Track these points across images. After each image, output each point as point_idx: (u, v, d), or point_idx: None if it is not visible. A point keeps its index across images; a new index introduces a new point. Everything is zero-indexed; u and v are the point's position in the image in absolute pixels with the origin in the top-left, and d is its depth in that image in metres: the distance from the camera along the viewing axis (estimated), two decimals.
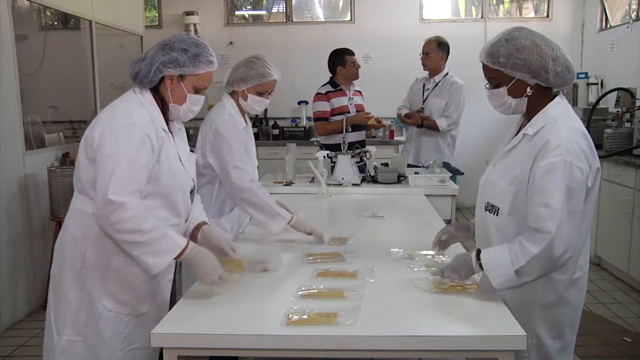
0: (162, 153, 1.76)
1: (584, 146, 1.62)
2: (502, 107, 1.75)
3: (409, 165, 4.06)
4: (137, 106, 1.76)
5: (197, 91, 1.82)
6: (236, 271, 1.86)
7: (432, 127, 4.18)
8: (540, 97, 1.70)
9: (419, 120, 4.20)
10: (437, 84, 4.24)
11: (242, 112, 2.51)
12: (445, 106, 4.18)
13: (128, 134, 1.68)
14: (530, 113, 1.73)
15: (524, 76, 1.67)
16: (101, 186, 1.64)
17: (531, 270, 1.63)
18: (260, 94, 2.44)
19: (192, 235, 1.95)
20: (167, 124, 1.83)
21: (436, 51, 4.18)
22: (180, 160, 1.87)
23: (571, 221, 1.60)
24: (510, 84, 1.69)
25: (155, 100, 1.80)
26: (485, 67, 1.73)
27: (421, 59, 4.25)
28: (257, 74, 2.40)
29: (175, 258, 1.73)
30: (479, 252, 1.71)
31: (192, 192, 1.93)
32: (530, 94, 1.69)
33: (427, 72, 4.33)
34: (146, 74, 1.75)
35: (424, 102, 4.27)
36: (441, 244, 2.04)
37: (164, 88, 1.79)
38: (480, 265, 1.68)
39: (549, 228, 1.58)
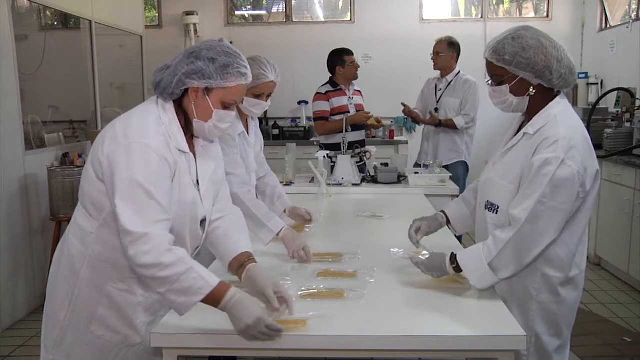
0: (174, 180, 1.57)
1: (580, 146, 1.62)
2: (503, 104, 1.75)
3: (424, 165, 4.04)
4: (154, 123, 1.55)
5: (225, 107, 1.60)
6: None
7: (450, 126, 4.18)
8: (542, 97, 1.70)
9: (437, 120, 4.19)
10: (449, 83, 4.25)
11: (242, 115, 2.45)
12: (460, 105, 4.19)
13: (143, 156, 1.48)
14: (530, 112, 1.73)
15: (527, 75, 1.67)
16: (119, 215, 1.45)
17: (504, 262, 1.64)
18: (257, 96, 2.33)
19: (236, 272, 1.69)
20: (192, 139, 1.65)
21: (447, 50, 4.20)
22: (198, 185, 1.66)
23: (553, 217, 1.61)
24: (514, 82, 1.69)
25: (178, 114, 1.60)
26: (489, 64, 1.73)
27: (432, 59, 4.26)
28: (251, 75, 2.31)
29: (209, 303, 1.46)
30: (453, 255, 1.74)
31: (202, 222, 1.71)
32: (532, 93, 1.69)
33: (438, 73, 4.34)
34: (167, 85, 1.57)
35: (438, 102, 4.27)
36: (417, 234, 2.02)
37: (188, 102, 1.59)
38: (455, 268, 1.71)
39: (520, 215, 1.61)
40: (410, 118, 4.39)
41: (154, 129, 1.54)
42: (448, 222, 2.09)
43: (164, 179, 1.52)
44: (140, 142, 1.49)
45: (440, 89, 4.29)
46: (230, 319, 1.45)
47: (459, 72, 4.27)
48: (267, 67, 2.31)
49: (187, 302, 1.45)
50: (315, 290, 1.73)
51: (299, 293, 1.71)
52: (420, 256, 1.89)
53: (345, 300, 1.67)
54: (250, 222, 2.19)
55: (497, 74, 1.72)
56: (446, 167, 3.95)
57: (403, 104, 4.24)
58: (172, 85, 1.57)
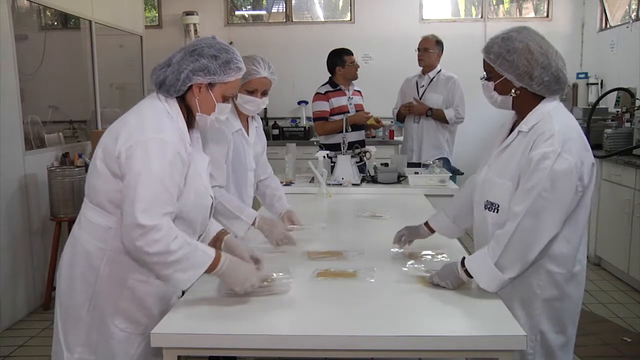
0: (189, 172, 1.67)
1: (576, 140, 1.65)
2: (490, 99, 1.81)
3: (411, 164, 4.05)
4: (166, 118, 1.64)
5: (224, 99, 1.73)
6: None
7: (440, 117, 4.18)
8: (529, 99, 1.73)
9: (426, 107, 4.19)
10: (431, 80, 4.26)
11: (241, 114, 2.43)
12: (443, 101, 4.20)
13: (160, 151, 1.56)
14: (520, 112, 1.77)
15: (510, 77, 1.71)
16: (129, 207, 1.52)
17: (510, 260, 1.64)
18: (250, 93, 2.32)
19: (214, 247, 1.82)
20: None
21: (434, 47, 4.23)
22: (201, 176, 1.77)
23: (554, 211, 1.62)
24: (498, 80, 1.74)
25: (181, 109, 1.69)
26: (483, 59, 1.78)
27: (418, 56, 4.27)
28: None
29: (207, 272, 1.61)
30: (463, 260, 1.73)
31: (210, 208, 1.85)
32: (515, 95, 1.73)
33: (418, 71, 4.37)
34: (174, 83, 1.65)
35: (420, 98, 4.28)
36: (401, 241, 2.13)
37: (192, 97, 1.68)
38: (466, 272, 1.71)
39: (518, 209, 1.63)
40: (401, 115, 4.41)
41: (168, 125, 1.63)
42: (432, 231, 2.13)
43: (176, 173, 1.61)
44: (157, 137, 1.58)
45: (422, 86, 4.30)
46: (226, 280, 1.64)
47: (441, 70, 4.29)
48: (259, 64, 2.30)
49: (192, 276, 1.60)
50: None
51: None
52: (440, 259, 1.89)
53: (345, 299, 1.67)
54: (221, 217, 2.23)
55: (487, 70, 1.78)
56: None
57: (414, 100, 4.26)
58: (179, 83, 1.65)
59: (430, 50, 4.22)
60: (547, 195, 1.61)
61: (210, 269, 1.62)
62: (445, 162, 4.22)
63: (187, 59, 1.65)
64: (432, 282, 1.76)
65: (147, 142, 1.57)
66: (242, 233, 2.25)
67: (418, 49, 4.28)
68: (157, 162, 1.55)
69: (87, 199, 1.70)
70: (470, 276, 1.70)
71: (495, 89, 1.75)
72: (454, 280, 1.72)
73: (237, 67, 1.70)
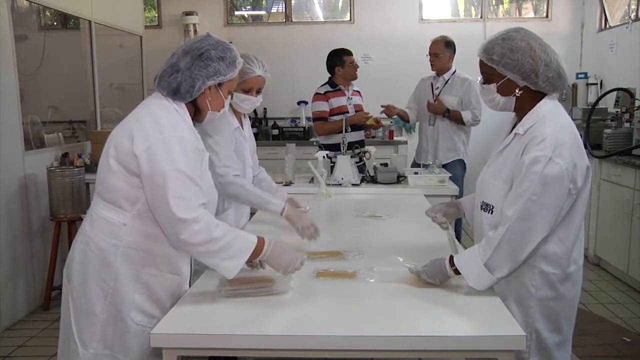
0: (203, 168, 1.75)
1: (568, 144, 1.65)
2: (491, 103, 1.80)
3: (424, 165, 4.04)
4: (177, 117, 1.70)
5: (229, 93, 1.85)
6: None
7: (457, 119, 4.15)
8: (530, 98, 1.74)
9: (444, 107, 4.14)
10: (446, 82, 4.23)
11: (235, 112, 2.47)
12: (458, 102, 4.16)
13: (181, 148, 1.63)
14: (520, 112, 1.77)
15: (514, 77, 1.71)
16: (164, 205, 1.59)
17: (499, 262, 1.66)
18: (245, 92, 2.37)
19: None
20: None
21: (445, 51, 4.17)
22: None
23: (544, 215, 1.63)
24: (501, 82, 1.73)
25: (187, 107, 1.75)
26: (480, 62, 1.77)
27: (430, 60, 4.23)
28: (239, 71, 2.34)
29: (252, 257, 1.70)
30: (451, 258, 1.74)
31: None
32: (519, 94, 1.73)
33: (433, 72, 4.31)
34: (189, 90, 1.71)
35: (435, 100, 4.25)
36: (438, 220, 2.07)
37: (203, 98, 1.75)
38: (455, 270, 1.72)
39: (509, 213, 1.64)
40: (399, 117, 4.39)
41: (182, 122, 1.69)
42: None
43: (198, 167, 1.69)
44: (175, 135, 1.64)
45: (437, 87, 4.25)
46: (270, 264, 1.74)
47: (455, 70, 4.25)
48: (253, 63, 2.36)
49: (238, 263, 1.66)
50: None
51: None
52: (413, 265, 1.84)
53: (345, 299, 1.67)
54: (255, 201, 2.42)
55: (487, 73, 1.76)
56: (444, 165, 3.94)
57: (383, 106, 4.19)
58: (194, 89, 1.71)
59: (440, 55, 4.16)
60: (537, 199, 1.62)
61: (255, 255, 1.70)
62: (460, 163, 4.22)
63: (197, 65, 1.70)
64: (419, 277, 1.77)
65: (167, 141, 1.62)
66: (279, 209, 2.38)
67: (429, 53, 4.23)
68: (181, 159, 1.61)
69: (98, 197, 1.72)
70: (458, 273, 1.72)
71: (498, 91, 1.75)
72: (442, 279, 1.75)
73: (238, 62, 1.79)
